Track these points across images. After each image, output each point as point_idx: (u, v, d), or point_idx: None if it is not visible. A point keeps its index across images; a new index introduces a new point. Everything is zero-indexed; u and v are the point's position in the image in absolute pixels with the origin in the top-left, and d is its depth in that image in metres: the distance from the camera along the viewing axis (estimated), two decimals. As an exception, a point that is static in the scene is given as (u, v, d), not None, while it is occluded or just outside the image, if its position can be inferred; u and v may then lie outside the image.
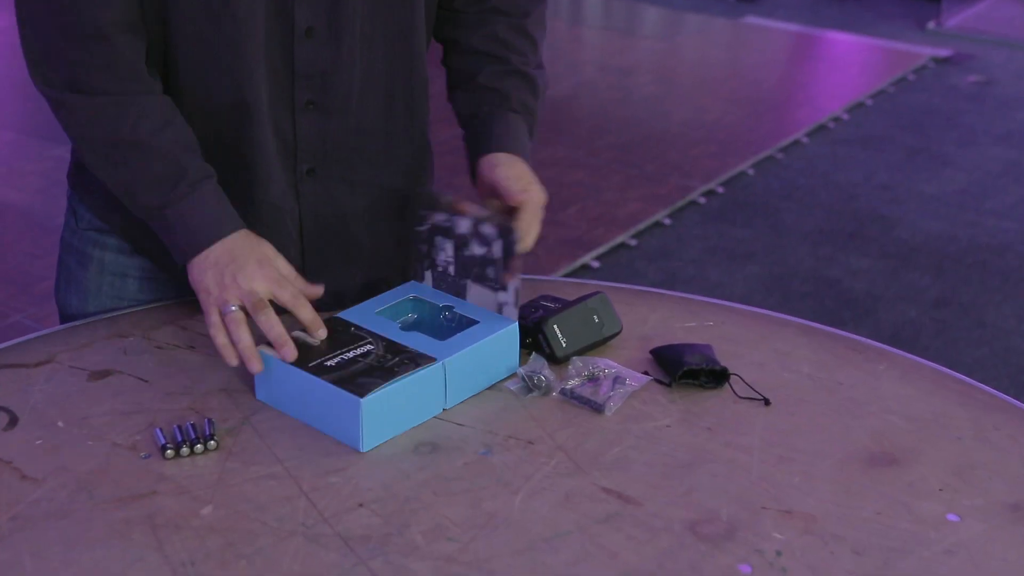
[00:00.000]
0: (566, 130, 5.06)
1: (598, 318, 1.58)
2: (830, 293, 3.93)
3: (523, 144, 1.64)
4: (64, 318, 1.72)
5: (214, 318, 1.43)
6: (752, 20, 6.56)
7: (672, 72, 5.96)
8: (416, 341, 1.44)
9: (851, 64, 6.24)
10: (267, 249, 1.48)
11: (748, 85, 5.78)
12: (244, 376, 1.47)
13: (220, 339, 1.42)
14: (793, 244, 4.23)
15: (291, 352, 1.40)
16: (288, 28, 1.52)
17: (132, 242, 1.66)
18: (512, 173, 1.57)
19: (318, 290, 1.49)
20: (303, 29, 1.52)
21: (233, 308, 1.43)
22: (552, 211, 4.36)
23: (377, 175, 1.64)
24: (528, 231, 1.53)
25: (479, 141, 1.64)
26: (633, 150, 4.88)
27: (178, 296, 1.67)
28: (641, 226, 4.25)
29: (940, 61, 5.99)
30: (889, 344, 1.69)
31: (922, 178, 4.77)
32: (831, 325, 1.94)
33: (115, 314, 1.63)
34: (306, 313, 1.45)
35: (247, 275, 1.44)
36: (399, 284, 1.62)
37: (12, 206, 4.24)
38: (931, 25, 6.48)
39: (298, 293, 1.46)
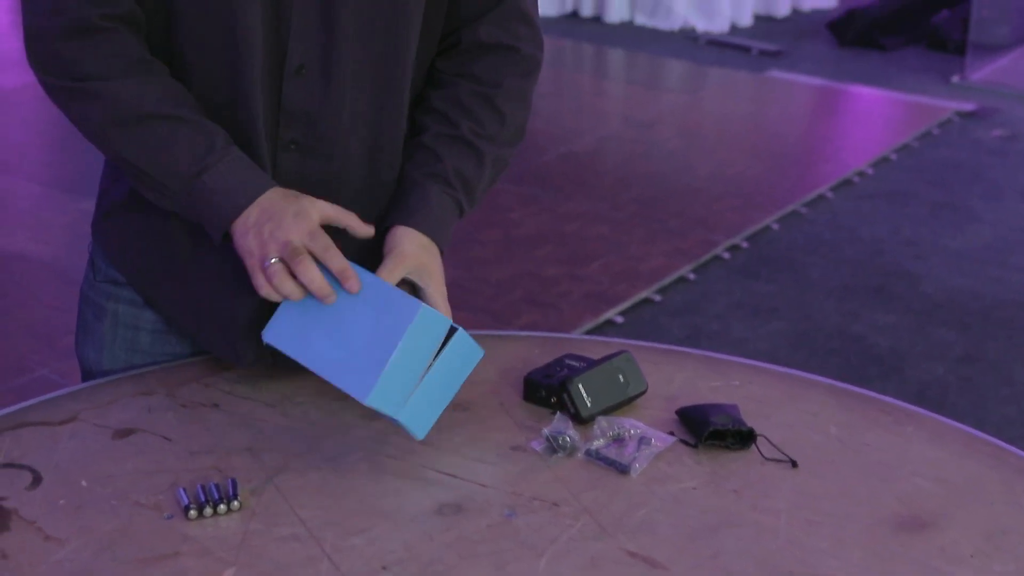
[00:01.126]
0: (589, 184, 5.07)
1: (623, 377, 1.57)
2: (856, 349, 3.91)
3: (434, 220, 1.60)
4: (83, 371, 1.72)
5: (260, 279, 1.45)
6: (775, 74, 6.57)
7: (695, 126, 5.98)
8: None
9: (875, 118, 6.24)
10: (304, 202, 1.48)
11: (772, 139, 5.78)
12: (268, 435, 1.47)
13: (264, 291, 1.45)
14: (818, 299, 4.22)
15: (355, 284, 1.44)
16: (279, 64, 1.52)
17: (143, 294, 1.66)
18: (399, 268, 1.53)
19: (368, 229, 1.50)
20: (294, 67, 1.52)
21: (272, 260, 1.44)
22: (575, 266, 4.39)
23: (360, 215, 1.59)
24: (390, 271, 1.51)
25: (394, 205, 1.61)
26: (657, 204, 4.88)
27: (191, 351, 1.67)
28: (665, 281, 4.24)
29: (965, 115, 5.99)
30: (916, 402, 1.67)
31: (947, 233, 4.76)
32: (857, 382, 1.92)
33: (140, 371, 1.63)
34: (337, 263, 1.44)
35: (284, 229, 1.45)
36: None
37: (37, 259, 4.27)
38: (955, 79, 6.48)
39: (329, 244, 1.45)
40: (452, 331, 1.44)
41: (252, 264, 1.46)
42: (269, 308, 1.53)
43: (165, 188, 1.50)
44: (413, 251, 1.55)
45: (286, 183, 1.54)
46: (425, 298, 1.52)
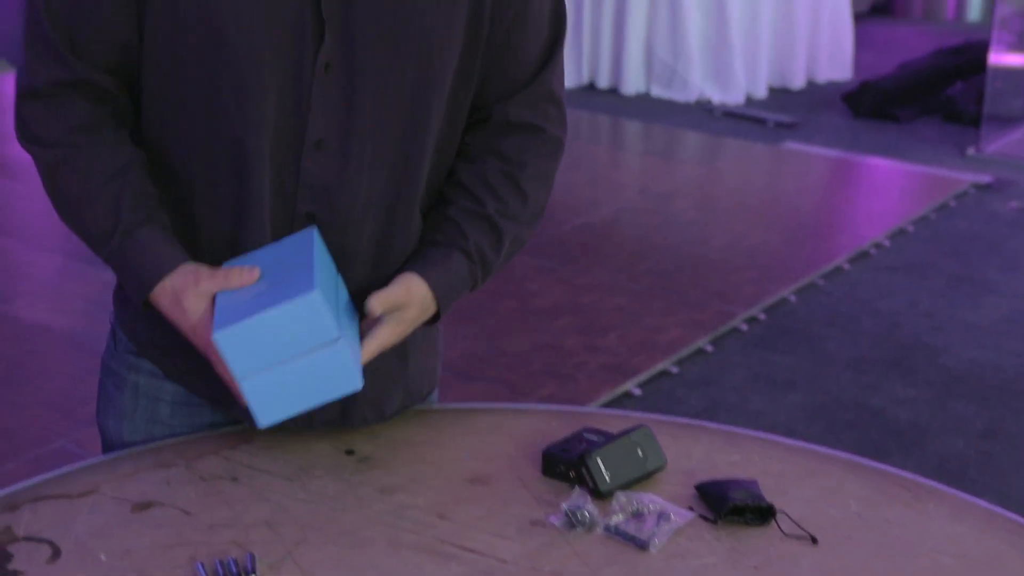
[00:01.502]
0: (606, 255, 5.08)
1: (642, 452, 1.56)
2: (874, 423, 3.89)
3: (447, 285, 1.61)
4: (104, 441, 1.73)
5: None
6: (791, 145, 6.60)
7: (712, 197, 6.00)
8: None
9: (892, 190, 6.26)
10: (184, 302, 1.50)
11: (788, 210, 5.80)
12: (287, 508, 1.47)
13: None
14: (836, 372, 4.21)
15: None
16: (299, 140, 1.53)
17: (160, 365, 1.67)
18: (395, 294, 1.55)
19: (252, 275, 1.49)
20: (314, 141, 1.53)
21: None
22: (592, 337, 4.39)
23: (364, 296, 1.60)
24: (367, 346, 1.53)
25: (412, 257, 1.63)
26: (674, 275, 4.89)
27: (211, 422, 1.68)
28: (683, 353, 4.23)
29: (981, 187, 6.00)
30: (936, 476, 1.66)
31: (965, 305, 4.75)
32: (875, 455, 1.91)
33: (159, 443, 1.63)
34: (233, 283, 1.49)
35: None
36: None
37: (57, 329, 4.29)
38: (971, 151, 6.50)
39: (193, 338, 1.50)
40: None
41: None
42: None
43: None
44: (405, 293, 1.56)
45: None
46: (370, 333, 1.53)
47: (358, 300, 1.56)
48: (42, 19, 1.53)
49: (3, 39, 8.13)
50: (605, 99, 7.38)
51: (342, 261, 1.58)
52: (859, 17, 8.43)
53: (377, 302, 1.53)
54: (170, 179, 1.58)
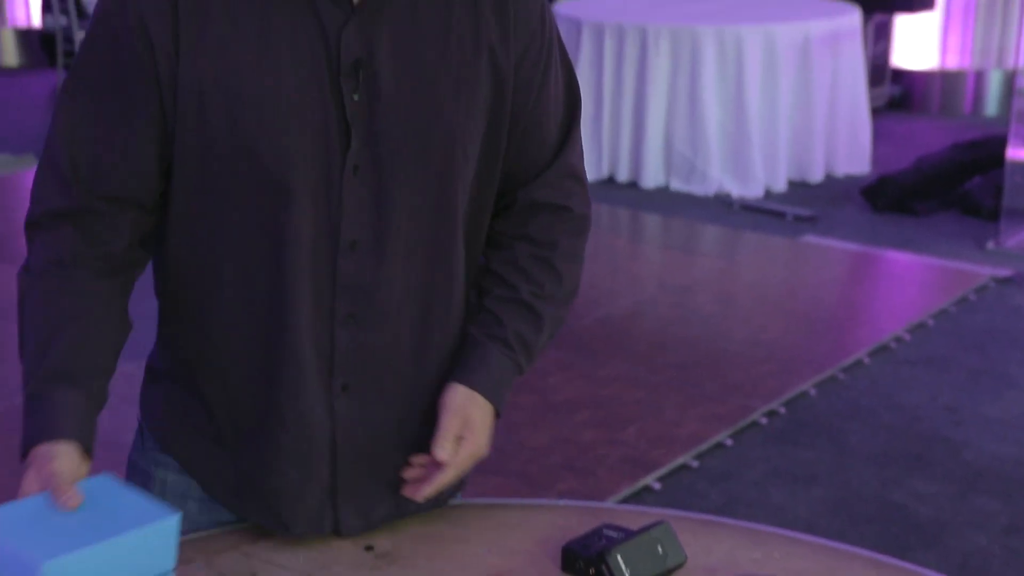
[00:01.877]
0: (625, 348, 5.08)
1: (662, 548, 1.56)
2: (896, 518, 3.85)
3: (493, 380, 1.65)
4: None
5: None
6: (811, 239, 6.62)
7: (731, 290, 6.01)
8: None
9: (911, 283, 6.25)
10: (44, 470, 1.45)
11: (808, 304, 5.80)
12: (305, 605, 1.46)
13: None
14: (857, 467, 4.18)
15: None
16: (333, 242, 1.55)
17: (182, 463, 1.67)
18: (453, 423, 1.59)
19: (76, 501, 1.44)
20: (348, 242, 1.55)
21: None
22: (611, 430, 4.37)
23: (409, 389, 1.62)
24: (432, 485, 1.56)
25: (455, 363, 1.65)
26: (693, 369, 4.88)
27: (237, 518, 1.68)
28: (702, 447, 4.22)
29: (1001, 281, 5.99)
30: (959, 573, 1.65)
31: (987, 400, 4.73)
32: (897, 551, 1.90)
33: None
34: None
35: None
36: (426, 509, 1.64)
37: (78, 420, 4.29)
38: (990, 245, 6.51)
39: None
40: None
41: None
42: (313, 478, 1.54)
43: None
44: (462, 406, 1.60)
45: (345, 359, 1.57)
46: (453, 455, 1.57)
47: (405, 385, 1.61)
48: (60, 146, 1.54)
49: (29, 134, 8.25)
50: (624, 192, 7.43)
51: (383, 356, 1.60)
52: (876, 111, 8.49)
53: (442, 450, 1.57)
54: (200, 300, 1.59)
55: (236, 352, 1.58)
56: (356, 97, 1.52)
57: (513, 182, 1.68)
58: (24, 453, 1.48)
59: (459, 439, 1.59)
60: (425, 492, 1.58)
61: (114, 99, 1.51)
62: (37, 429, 1.48)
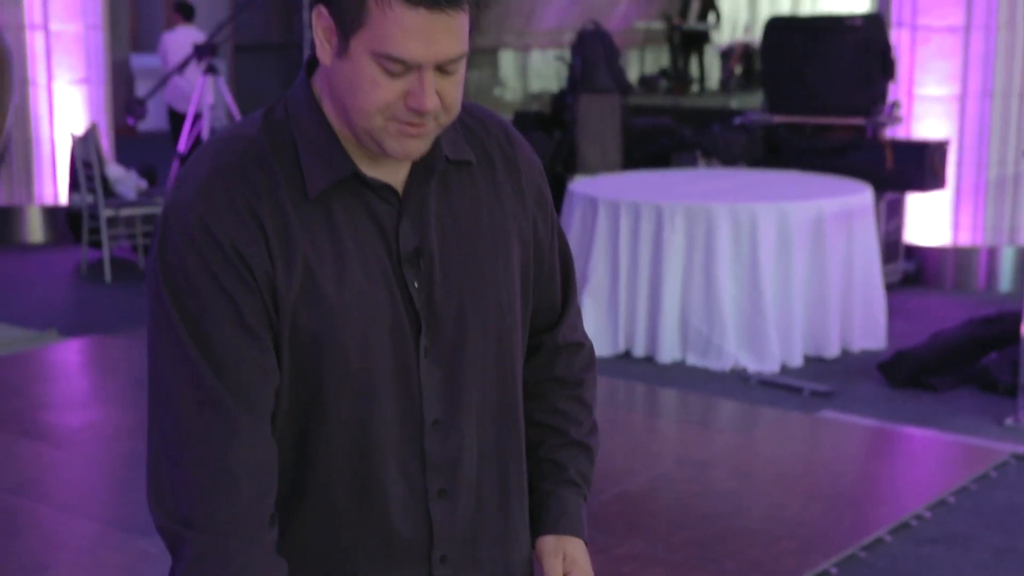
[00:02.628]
0: (643, 524, 5.04)
1: None
2: None
3: (575, 520, 1.83)
4: None
5: None
6: (828, 415, 6.61)
7: (749, 466, 5.97)
8: None
9: (931, 460, 6.21)
10: None
11: (827, 481, 5.76)
12: None
13: None
14: (881, 647, 4.10)
15: None
16: (418, 424, 1.62)
17: None
18: (556, 564, 1.77)
19: None
20: (431, 422, 1.63)
21: None
22: (631, 610, 4.30)
23: (500, 552, 1.76)
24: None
25: (536, 519, 1.82)
26: (712, 546, 4.83)
27: None
28: (722, 626, 4.15)
29: (1021, 458, 5.95)
30: None
31: (1011, 579, 4.65)
32: None
33: None
34: None
35: None
36: None
37: (91, 597, 4.25)
38: (1009, 421, 6.48)
39: None
40: None
41: None
42: None
43: None
44: (558, 547, 1.80)
45: (443, 533, 1.68)
46: None
47: (495, 549, 1.76)
48: (205, 371, 1.58)
49: (53, 310, 8.36)
50: (641, 367, 7.45)
51: (474, 527, 1.72)
52: (891, 287, 8.56)
53: None
54: (292, 494, 1.66)
55: (333, 538, 1.66)
56: (416, 284, 1.64)
57: (540, 327, 1.85)
58: None
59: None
60: None
61: (237, 324, 1.57)
62: None
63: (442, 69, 1.57)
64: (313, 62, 1.68)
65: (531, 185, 1.80)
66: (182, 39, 11.62)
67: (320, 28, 1.62)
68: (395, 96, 1.58)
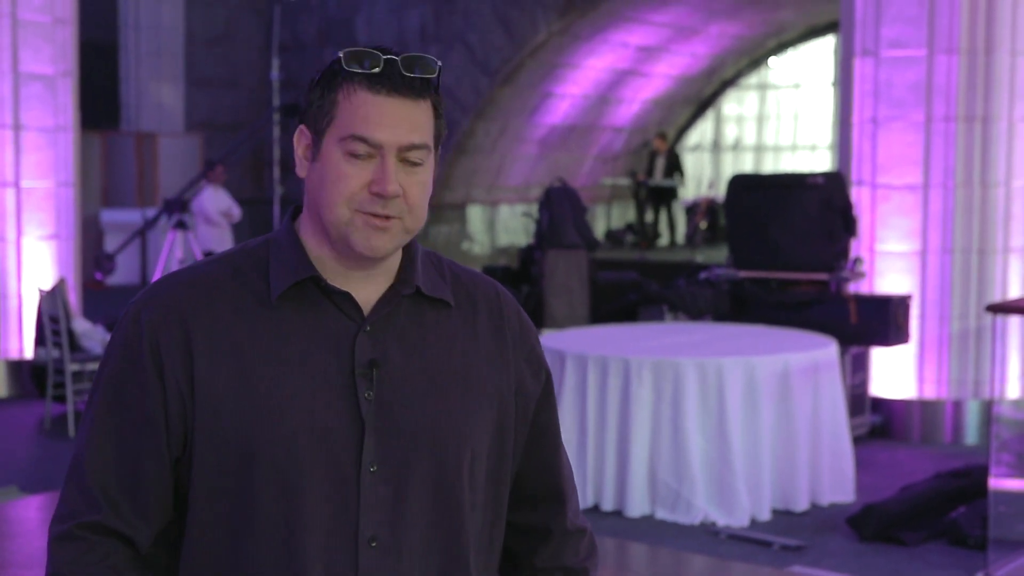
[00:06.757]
0: None
1: None
2: None
3: None
4: None
5: None
6: (798, 570, 6.56)
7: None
8: None
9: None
10: None
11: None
12: None
13: None
14: None
15: None
16: (351, 539, 1.62)
17: None
18: None
19: None
20: (367, 538, 1.61)
21: None
22: None
23: None
24: None
25: None
26: None
27: None
28: None
29: (993, 613, 5.92)
30: None
31: None
32: None
33: None
34: None
35: None
36: None
37: None
38: (980, 575, 6.45)
39: None
40: None
41: None
42: None
43: None
44: None
45: None
46: None
47: None
48: (86, 470, 1.65)
49: (15, 465, 8.26)
50: (610, 521, 7.40)
51: None
52: (859, 440, 8.58)
53: None
54: None
55: None
56: (369, 395, 1.62)
57: (546, 512, 1.84)
58: None
59: None
60: None
61: (133, 426, 1.63)
62: None
63: (405, 160, 1.65)
64: (297, 210, 1.77)
65: (520, 341, 1.81)
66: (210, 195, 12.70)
67: (301, 147, 1.72)
68: (359, 185, 1.65)
